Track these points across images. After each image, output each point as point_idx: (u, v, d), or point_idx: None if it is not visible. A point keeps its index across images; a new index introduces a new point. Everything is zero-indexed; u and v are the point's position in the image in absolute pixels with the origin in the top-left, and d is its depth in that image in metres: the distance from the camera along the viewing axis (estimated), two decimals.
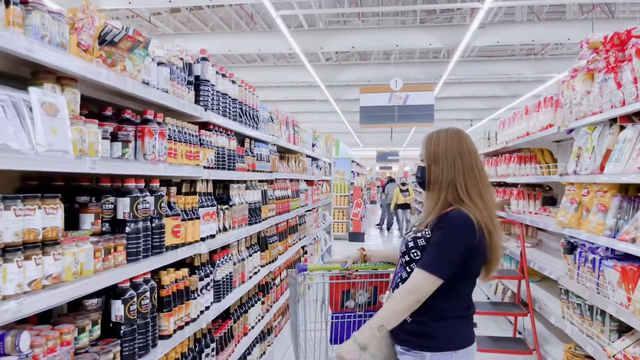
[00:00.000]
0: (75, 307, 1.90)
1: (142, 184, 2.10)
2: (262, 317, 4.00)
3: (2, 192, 1.42)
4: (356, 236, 13.07)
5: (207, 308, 2.76)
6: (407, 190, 13.56)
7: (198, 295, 2.62)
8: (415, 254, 1.92)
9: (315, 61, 12.90)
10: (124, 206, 1.99)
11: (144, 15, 10.45)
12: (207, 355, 2.78)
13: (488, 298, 6.40)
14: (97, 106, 2.08)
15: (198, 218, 2.61)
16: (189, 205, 2.54)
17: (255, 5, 10.27)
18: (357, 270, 2.37)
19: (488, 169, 6.66)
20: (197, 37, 10.36)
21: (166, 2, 8.37)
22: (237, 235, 3.29)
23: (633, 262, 2.78)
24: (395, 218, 14.42)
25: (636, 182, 2.63)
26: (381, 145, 29.72)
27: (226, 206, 3.12)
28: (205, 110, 2.82)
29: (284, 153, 5.37)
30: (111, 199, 1.99)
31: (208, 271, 2.79)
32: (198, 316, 2.62)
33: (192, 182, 2.72)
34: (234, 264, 3.25)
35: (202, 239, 2.69)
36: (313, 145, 7.12)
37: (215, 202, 2.92)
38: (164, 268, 2.31)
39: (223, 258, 3.06)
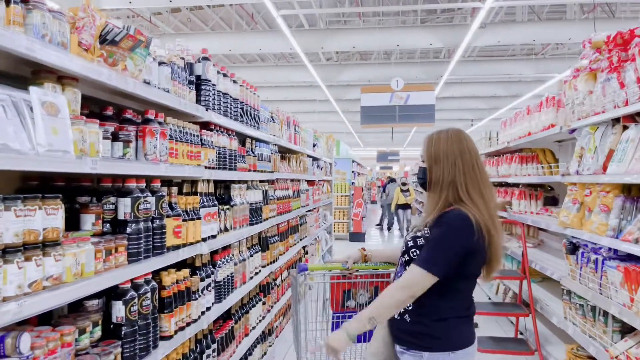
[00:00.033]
0: (76, 308, 1.89)
1: (143, 184, 2.09)
2: (263, 317, 3.99)
3: (2, 193, 1.41)
4: (357, 236, 13.06)
5: (209, 309, 2.75)
6: (407, 190, 13.55)
7: (199, 296, 2.61)
8: (414, 254, 1.92)
9: (315, 61, 12.89)
10: (125, 206, 1.98)
11: (144, 15, 10.45)
12: (208, 356, 2.76)
13: (489, 298, 6.39)
14: (98, 106, 2.07)
15: (199, 218, 2.60)
16: (190, 205, 2.53)
17: (256, 5, 10.27)
18: (357, 270, 2.38)
19: (489, 169, 6.65)
20: (198, 37, 10.35)
21: (167, 2, 8.37)
22: (238, 235, 3.28)
23: (636, 262, 2.77)
24: (396, 218, 14.41)
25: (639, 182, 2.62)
26: (382, 145, 29.72)
27: (227, 206, 3.11)
28: (207, 110, 2.81)
29: (285, 153, 5.36)
30: (112, 199, 1.98)
31: (209, 272, 2.78)
32: (199, 317, 2.61)
33: (193, 182, 2.71)
34: (235, 264, 3.24)
35: (204, 240, 2.68)
36: (314, 145, 7.11)
37: (216, 203, 2.91)
38: (165, 269, 2.30)
39: (224, 258, 3.05)
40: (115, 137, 1.97)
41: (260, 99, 4.05)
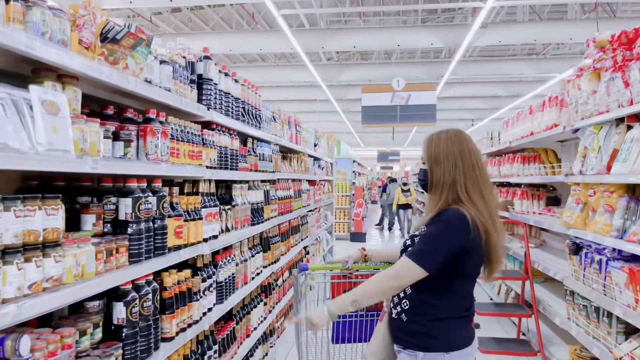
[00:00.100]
0: (77, 310, 1.87)
1: (144, 184, 2.07)
2: (265, 318, 3.97)
3: (2, 193, 1.39)
4: (358, 236, 13.03)
5: (210, 310, 2.73)
6: (408, 190, 13.52)
7: (201, 297, 2.59)
8: None
9: (316, 61, 12.88)
10: (126, 207, 1.96)
11: (145, 15, 10.44)
12: (209, 358, 2.74)
13: (491, 299, 6.36)
14: (99, 105, 2.05)
15: (201, 219, 2.58)
16: (191, 205, 2.51)
17: (257, 4, 10.25)
18: (357, 270, 2.40)
19: (491, 169, 6.64)
20: (198, 37, 10.33)
21: (167, 1, 8.35)
22: (240, 235, 3.26)
23: None
24: (396, 218, 14.39)
25: None
26: (382, 145, 29.71)
27: (229, 206, 3.09)
28: (208, 109, 2.79)
29: (286, 153, 5.34)
30: (113, 199, 1.96)
31: (211, 272, 2.76)
32: (201, 318, 2.59)
33: (195, 182, 2.69)
34: (237, 264, 3.23)
35: (205, 240, 2.66)
36: (315, 145, 7.09)
37: (217, 203, 2.89)
38: (167, 269, 2.28)
39: (226, 259, 3.03)
40: (116, 137, 1.95)
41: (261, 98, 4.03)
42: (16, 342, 1.39)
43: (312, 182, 6.72)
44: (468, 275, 1.93)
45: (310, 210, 6.50)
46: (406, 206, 13.51)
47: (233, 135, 3.22)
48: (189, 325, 2.44)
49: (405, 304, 1.92)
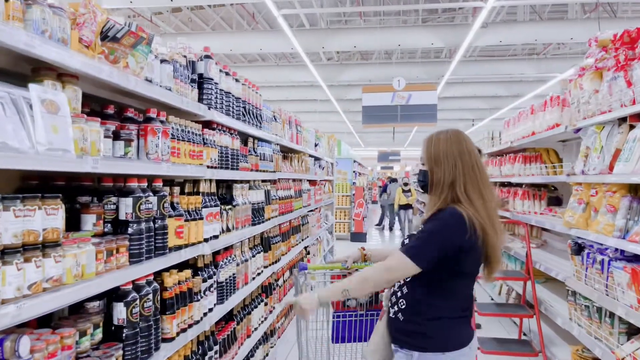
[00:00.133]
0: (77, 310, 1.86)
1: (144, 184, 2.06)
2: (265, 318, 3.96)
3: (2, 192, 1.38)
4: (358, 236, 13.03)
5: (211, 310, 2.72)
6: (409, 190, 13.51)
7: (201, 297, 2.58)
8: None
9: (316, 61, 12.87)
10: (126, 206, 1.95)
11: (145, 15, 10.43)
12: (210, 358, 2.73)
13: (492, 299, 6.35)
14: (99, 104, 2.04)
15: (201, 218, 2.57)
16: (192, 205, 2.50)
17: (257, 4, 10.25)
18: (357, 270, 2.40)
19: (492, 169, 6.63)
20: (199, 37, 10.32)
21: (167, 1, 8.34)
22: (241, 235, 3.25)
23: None
24: (397, 218, 14.37)
25: None
26: (383, 145, 29.70)
27: (229, 206, 3.08)
28: (209, 108, 2.78)
29: (287, 153, 5.33)
30: (113, 199, 1.95)
31: (211, 272, 2.75)
32: (201, 318, 2.58)
33: (196, 182, 2.68)
34: (238, 265, 3.21)
35: (206, 240, 2.65)
36: (316, 145, 7.08)
37: (218, 202, 2.88)
38: (167, 270, 2.27)
39: (226, 259, 3.02)
40: (116, 136, 1.94)
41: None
42: (16, 343, 1.38)
43: (312, 182, 6.71)
44: (466, 275, 1.94)
45: (311, 210, 6.49)
46: (407, 206, 13.50)
47: (234, 134, 3.21)
48: (190, 326, 2.43)
49: (402, 304, 1.93)
